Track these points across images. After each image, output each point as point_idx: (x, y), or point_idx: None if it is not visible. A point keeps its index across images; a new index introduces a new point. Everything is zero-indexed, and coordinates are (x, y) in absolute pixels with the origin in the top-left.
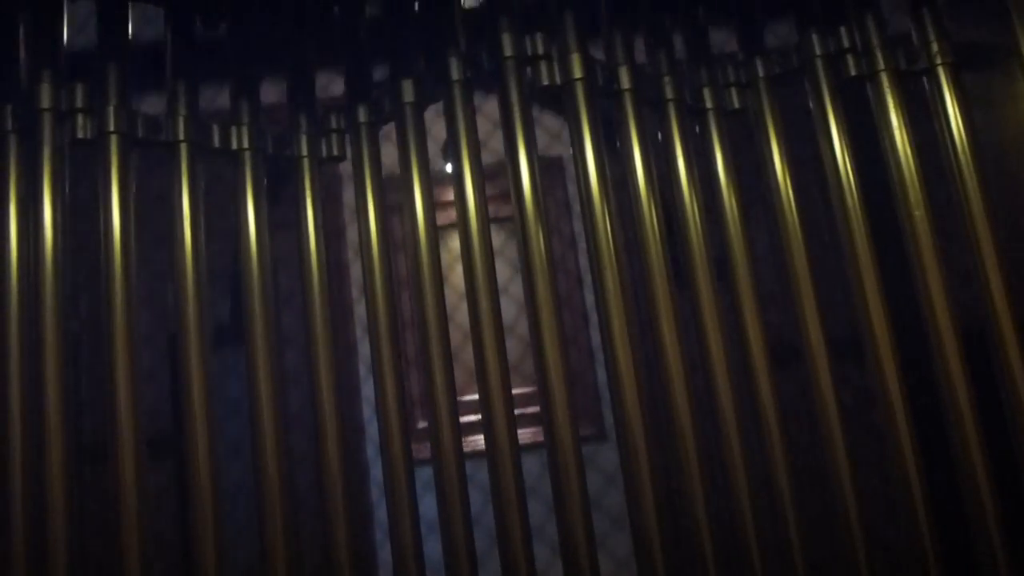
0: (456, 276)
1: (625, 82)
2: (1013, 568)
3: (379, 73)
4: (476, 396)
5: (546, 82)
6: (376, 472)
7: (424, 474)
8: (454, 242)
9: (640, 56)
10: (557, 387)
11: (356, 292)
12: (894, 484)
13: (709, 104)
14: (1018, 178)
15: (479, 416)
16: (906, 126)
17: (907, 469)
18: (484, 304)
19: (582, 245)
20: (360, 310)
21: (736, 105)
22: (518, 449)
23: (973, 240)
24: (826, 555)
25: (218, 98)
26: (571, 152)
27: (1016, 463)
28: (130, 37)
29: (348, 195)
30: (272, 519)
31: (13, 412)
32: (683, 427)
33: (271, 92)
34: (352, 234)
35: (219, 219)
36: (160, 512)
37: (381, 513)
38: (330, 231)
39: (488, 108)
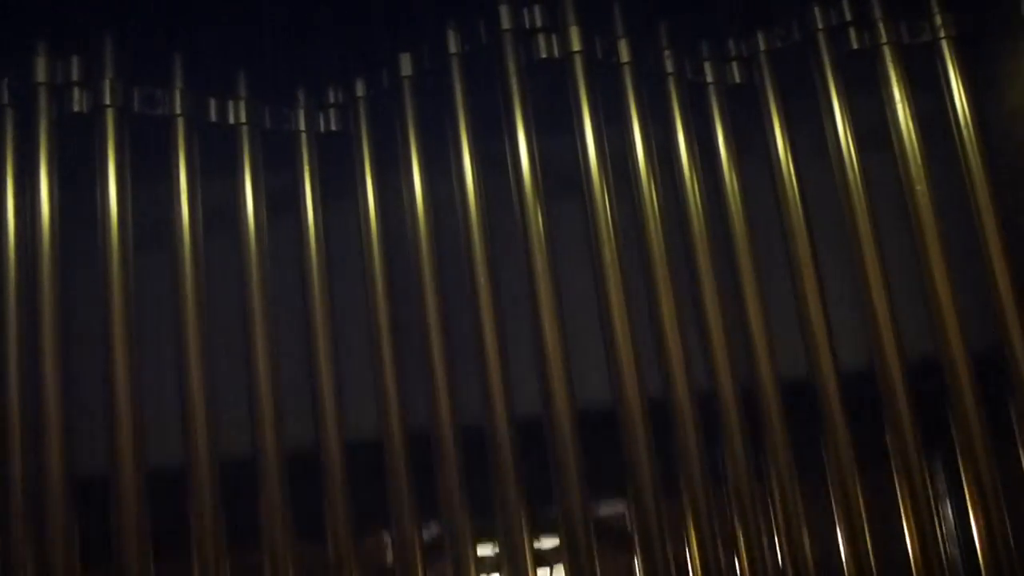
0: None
1: (625, 55)
2: None
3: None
4: None
5: (544, 55)
6: None
7: None
8: None
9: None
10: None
11: None
12: None
13: (710, 78)
14: (1022, 152)
15: None
16: (909, 100)
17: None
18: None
19: None
20: None
21: (737, 79)
22: None
23: (976, 213)
24: None
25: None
26: None
27: None
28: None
29: None
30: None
31: (11, 381)
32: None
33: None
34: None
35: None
36: None
37: None
38: None
39: None
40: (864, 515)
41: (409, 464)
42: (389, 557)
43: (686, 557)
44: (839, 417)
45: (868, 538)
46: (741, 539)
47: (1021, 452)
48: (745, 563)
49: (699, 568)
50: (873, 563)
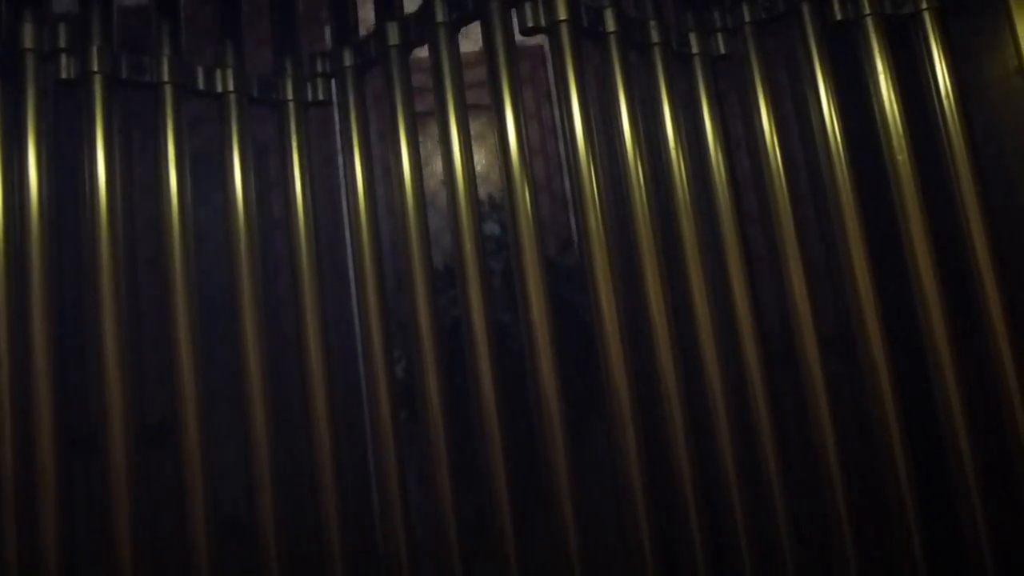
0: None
1: (610, 25)
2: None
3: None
4: None
5: (531, 23)
6: None
7: None
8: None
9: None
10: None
11: None
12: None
13: (695, 49)
14: (1000, 123)
15: None
16: (891, 71)
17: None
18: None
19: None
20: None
21: (723, 50)
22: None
23: (955, 180)
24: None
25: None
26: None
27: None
28: None
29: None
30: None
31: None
32: (668, 383)
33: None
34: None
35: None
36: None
37: None
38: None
39: None
40: None
41: None
42: None
43: None
44: None
45: None
46: None
47: None
48: None
49: None
50: None
